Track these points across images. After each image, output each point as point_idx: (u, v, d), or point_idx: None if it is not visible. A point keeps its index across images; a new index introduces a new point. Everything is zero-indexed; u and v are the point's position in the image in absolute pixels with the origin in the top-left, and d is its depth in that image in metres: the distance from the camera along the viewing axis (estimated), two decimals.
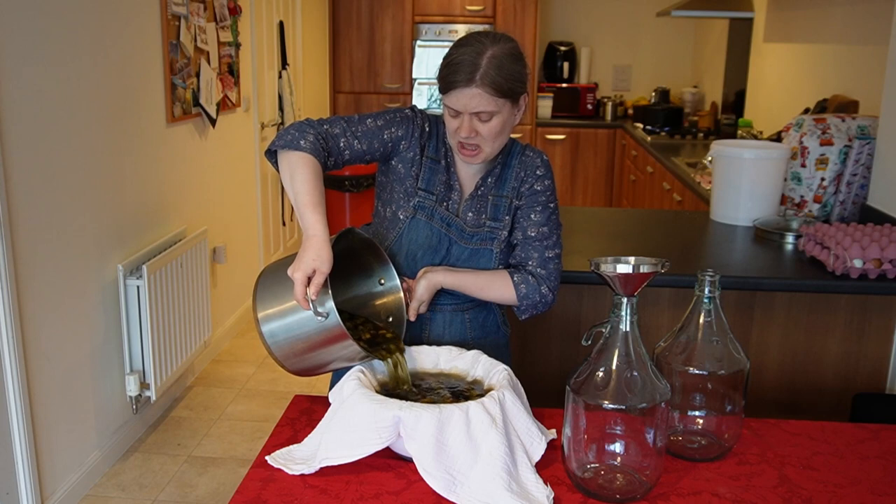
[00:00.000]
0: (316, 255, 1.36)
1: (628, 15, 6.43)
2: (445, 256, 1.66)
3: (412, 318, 1.57)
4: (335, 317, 1.36)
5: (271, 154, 1.57)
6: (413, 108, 1.69)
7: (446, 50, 1.58)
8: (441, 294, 1.66)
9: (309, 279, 1.35)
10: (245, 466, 2.93)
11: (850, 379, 2.25)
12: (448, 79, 1.53)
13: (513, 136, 1.70)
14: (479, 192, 1.67)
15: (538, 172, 1.67)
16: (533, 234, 1.66)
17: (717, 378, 1.37)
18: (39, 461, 2.50)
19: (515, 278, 1.63)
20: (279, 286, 1.43)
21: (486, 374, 1.45)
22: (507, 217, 1.66)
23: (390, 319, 1.59)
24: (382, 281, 1.61)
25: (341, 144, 1.58)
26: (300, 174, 1.46)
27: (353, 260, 1.58)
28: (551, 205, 1.68)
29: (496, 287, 1.63)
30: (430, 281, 1.59)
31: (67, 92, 2.61)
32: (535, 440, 1.32)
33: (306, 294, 1.34)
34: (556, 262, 1.67)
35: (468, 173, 1.68)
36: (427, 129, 1.67)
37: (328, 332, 1.38)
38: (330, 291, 1.37)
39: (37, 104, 2.45)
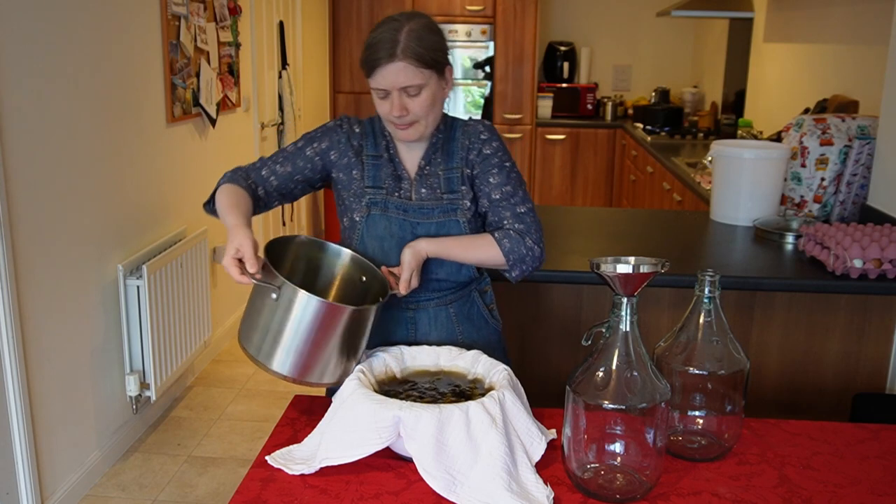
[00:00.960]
0: (235, 239, 1.40)
1: (628, 15, 6.43)
2: (413, 241, 1.64)
3: (403, 292, 1.54)
4: (286, 283, 1.36)
5: (210, 207, 1.67)
6: (341, 118, 1.71)
7: None
8: (422, 290, 1.65)
9: (242, 264, 1.39)
10: (245, 466, 2.93)
11: (850, 379, 2.25)
12: (370, 59, 1.54)
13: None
14: (427, 171, 1.66)
15: (482, 137, 1.66)
16: (498, 197, 1.64)
17: (717, 378, 1.37)
18: (39, 461, 2.50)
19: (496, 235, 1.61)
20: (245, 316, 1.48)
21: (487, 373, 1.45)
22: (463, 187, 1.65)
23: (363, 279, 1.61)
24: (364, 278, 1.60)
25: (263, 173, 1.66)
26: (221, 197, 1.57)
27: (333, 277, 1.62)
28: (507, 164, 1.66)
29: (481, 247, 1.61)
30: (414, 249, 1.57)
31: (67, 92, 2.61)
32: (535, 440, 1.32)
33: (243, 273, 1.38)
34: (531, 215, 1.65)
35: (412, 158, 1.68)
36: (358, 130, 1.68)
37: (292, 304, 1.37)
38: (275, 271, 1.38)
39: (37, 104, 2.45)
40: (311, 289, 1.40)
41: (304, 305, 1.37)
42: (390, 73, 1.52)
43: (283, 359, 1.41)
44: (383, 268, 1.56)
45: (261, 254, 1.42)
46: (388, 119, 1.60)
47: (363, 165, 1.66)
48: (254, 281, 1.38)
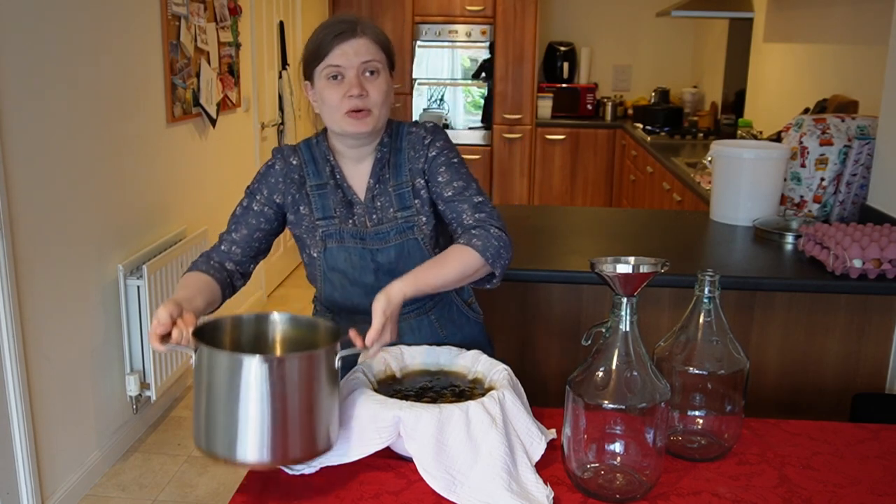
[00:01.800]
0: (154, 315, 1.26)
1: (628, 15, 6.43)
2: (375, 270, 1.60)
3: (369, 345, 1.28)
4: (199, 345, 1.19)
5: None
6: (273, 154, 1.64)
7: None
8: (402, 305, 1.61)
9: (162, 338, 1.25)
10: (245, 466, 2.92)
11: (849, 379, 2.25)
12: (326, 39, 1.49)
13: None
14: (377, 189, 1.60)
15: (425, 141, 1.61)
16: (451, 193, 1.57)
17: (717, 378, 1.37)
18: (39, 461, 2.50)
19: (462, 241, 1.49)
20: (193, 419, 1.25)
21: (487, 373, 1.45)
22: (416, 201, 1.60)
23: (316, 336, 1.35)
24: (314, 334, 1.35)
25: (223, 248, 1.61)
26: (178, 286, 1.51)
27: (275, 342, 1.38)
28: (454, 160, 1.60)
29: (455, 259, 1.45)
30: (387, 294, 1.34)
31: (67, 92, 2.61)
32: (534, 440, 1.32)
33: (161, 343, 1.23)
34: (488, 204, 1.58)
35: (360, 179, 1.61)
36: (295, 161, 1.61)
37: (213, 368, 1.18)
38: (196, 341, 1.21)
39: (37, 104, 2.45)
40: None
41: (221, 364, 1.17)
42: (351, 47, 1.49)
43: (231, 441, 1.17)
44: (351, 331, 1.27)
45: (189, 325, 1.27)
46: (339, 108, 1.51)
47: (309, 198, 1.60)
48: (165, 347, 1.22)
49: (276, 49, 4.81)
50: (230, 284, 1.58)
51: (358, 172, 1.62)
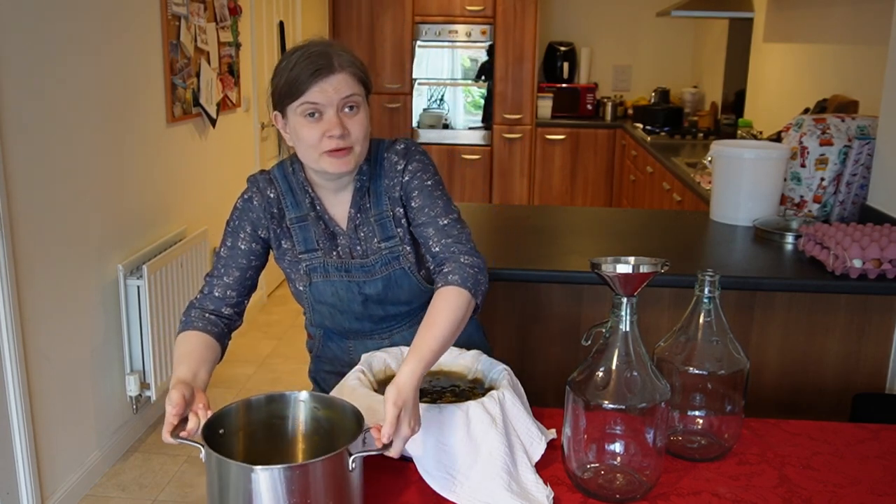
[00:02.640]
0: (167, 400, 1.21)
1: (628, 15, 6.43)
2: (364, 301, 1.58)
3: (385, 441, 1.14)
4: (205, 448, 1.11)
5: None
6: (248, 186, 1.57)
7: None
8: (394, 317, 1.62)
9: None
10: None
11: (849, 379, 2.25)
12: (303, 77, 1.40)
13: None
14: (359, 219, 1.57)
15: (398, 167, 1.55)
16: (422, 220, 1.53)
17: (717, 378, 1.37)
18: (39, 461, 2.50)
19: (439, 284, 1.42)
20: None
21: (487, 373, 1.45)
22: (399, 230, 1.56)
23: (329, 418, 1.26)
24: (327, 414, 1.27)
25: (217, 294, 1.52)
26: (176, 348, 1.42)
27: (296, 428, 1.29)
28: (428, 182, 1.55)
29: (444, 309, 1.37)
30: (397, 385, 1.19)
31: (68, 92, 2.61)
32: (534, 440, 1.32)
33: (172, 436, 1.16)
34: (455, 225, 1.53)
35: (341, 208, 1.57)
36: (272, 194, 1.55)
37: (219, 472, 1.10)
38: (200, 442, 1.14)
39: (37, 104, 2.45)
40: (275, 450, 1.22)
41: (229, 471, 1.09)
42: (330, 84, 1.41)
43: None
44: (373, 429, 1.16)
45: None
46: (318, 147, 1.44)
47: (290, 232, 1.55)
48: (177, 441, 1.16)
49: (276, 49, 4.81)
50: (228, 334, 1.52)
51: (338, 201, 1.57)
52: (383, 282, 1.56)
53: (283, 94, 1.45)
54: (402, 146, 1.58)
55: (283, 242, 1.57)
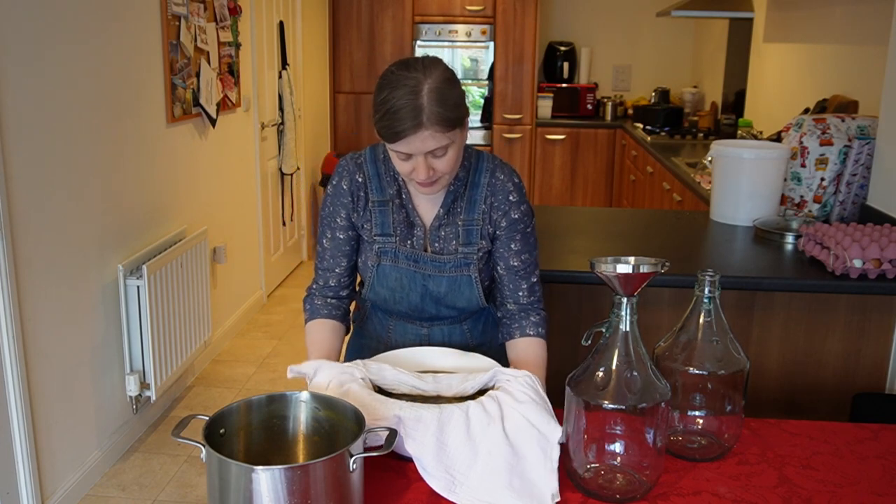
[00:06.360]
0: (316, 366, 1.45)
1: (628, 15, 6.43)
2: (423, 294, 1.61)
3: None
4: (204, 447, 1.12)
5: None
6: (338, 170, 1.62)
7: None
8: (436, 319, 1.67)
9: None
10: None
11: (849, 379, 2.25)
12: (393, 129, 1.41)
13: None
14: (446, 220, 1.60)
15: (511, 198, 1.60)
16: (517, 265, 1.62)
17: (717, 378, 1.37)
18: (39, 461, 2.50)
19: (531, 332, 1.61)
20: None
21: (493, 378, 1.45)
22: (482, 241, 1.60)
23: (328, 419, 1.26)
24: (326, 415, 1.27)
25: (332, 283, 1.66)
26: (307, 336, 1.65)
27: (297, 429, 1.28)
28: (529, 230, 1.63)
29: (542, 358, 1.61)
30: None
31: (67, 92, 2.61)
32: (552, 429, 1.30)
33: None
34: (539, 283, 1.67)
35: (429, 205, 1.61)
36: (360, 179, 1.60)
37: (218, 472, 1.10)
38: (201, 442, 1.14)
39: (37, 104, 2.45)
40: (276, 451, 1.23)
41: (229, 471, 1.09)
42: (417, 141, 1.42)
43: None
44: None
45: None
46: (408, 176, 1.51)
47: (371, 213, 1.61)
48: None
49: (276, 49, 4.81)
50: (349, 311, 1.70)
51: (428, 199, 1.61)
52: (448, 282, 1.60)
53: (378, 130, 1.47)
54: (518, 180, 1.64)
55: (365, 224, 1.62)
